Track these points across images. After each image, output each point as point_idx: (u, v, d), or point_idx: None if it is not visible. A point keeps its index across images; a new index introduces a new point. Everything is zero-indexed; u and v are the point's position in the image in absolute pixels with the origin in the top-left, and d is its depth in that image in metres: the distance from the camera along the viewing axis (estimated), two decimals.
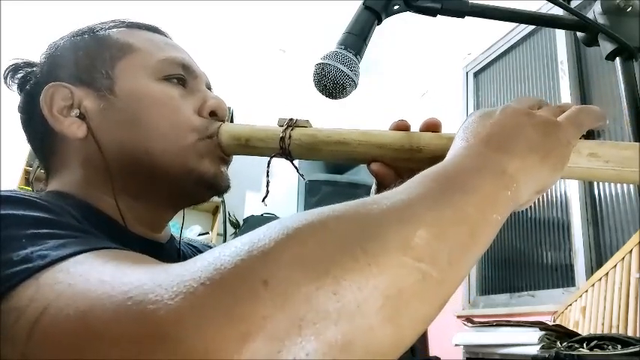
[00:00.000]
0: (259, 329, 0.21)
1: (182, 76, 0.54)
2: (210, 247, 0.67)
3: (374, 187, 0.55)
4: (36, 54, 0.56)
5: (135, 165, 0.50)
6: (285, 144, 0.48)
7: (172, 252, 0.57)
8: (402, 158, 0.47)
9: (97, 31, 0.55)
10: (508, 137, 0.36)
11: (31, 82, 0.54)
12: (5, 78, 0.55)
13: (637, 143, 0.41)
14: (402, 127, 0.49)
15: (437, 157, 0.43)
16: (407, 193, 0.30)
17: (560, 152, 0.37)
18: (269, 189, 0.54)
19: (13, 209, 0.34)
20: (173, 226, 0.61)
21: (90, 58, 0.53)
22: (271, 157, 0.50)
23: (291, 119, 0.50)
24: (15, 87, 0.55)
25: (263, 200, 0.54)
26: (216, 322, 0.21)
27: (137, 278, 0.25)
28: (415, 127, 0.51)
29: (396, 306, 0.24)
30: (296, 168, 0.53)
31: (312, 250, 0.24)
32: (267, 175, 0.53)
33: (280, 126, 0.50)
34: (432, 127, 0.49)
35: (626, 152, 0.40)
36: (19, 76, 0.55)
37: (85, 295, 0.25)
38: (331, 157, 0.50)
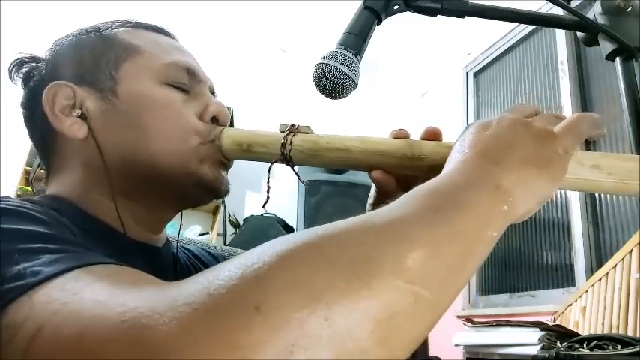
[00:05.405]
0: (252, 355, 0.21)
1: (186, 81, 0.53)
2: (207, 251, 0.67)
3: (373, 192, 0.56)
4: (42, 50, 0.56)
5: (136, 167, 0.50)
6: (287, 150, 0.49)
7: (168, 256, 0.57)
8: (403, 166, 0.47)
9: (104, 30, 0.54)
10: (504, 150, 0.35)
11: (35, 79, 0.54)
12: (10, 72, 0.55)
13: (638, 156, 0.41)
14: (402, 136, 0.49)
15: (438, 165, 0.43)
16: (401, 211, 0.30)
17: (558, 163, 0.36)
18: (269, 195, 0.54)
19: (6, 222, 0.33)
20: (172, 226, 0.61)
21: (94, 57, 0.52)
22: (272, 163, 0.50)
23: (292, 125, 0.50)
24: (19, 81, 0.55)
25: (263, 206, 0.54)
26: (209, 349, 0.21)
27: (132, 299, 0.25)
28: (415, 127, 0.51)
29: (388, 329, 0.24)
30: (297, 174, 0.53)
31: (304, 274, 0.24)
32: (268, 181, 0.53)
33: (282, 132, 0.50)
34: (433, 135, 0.49)
35: (629, 164, 0.40)
36: (24, 70, 0.55)
37: (80, 314, 0.25)
38: (332, 163, 0.50)
